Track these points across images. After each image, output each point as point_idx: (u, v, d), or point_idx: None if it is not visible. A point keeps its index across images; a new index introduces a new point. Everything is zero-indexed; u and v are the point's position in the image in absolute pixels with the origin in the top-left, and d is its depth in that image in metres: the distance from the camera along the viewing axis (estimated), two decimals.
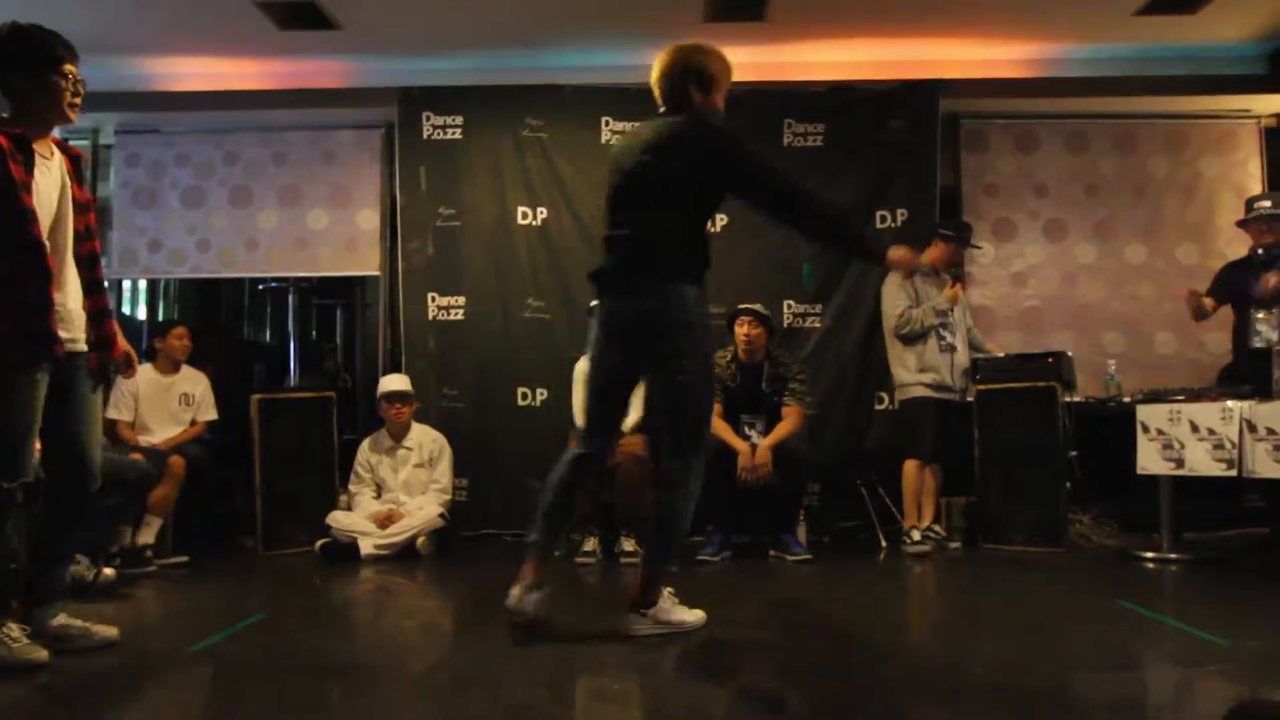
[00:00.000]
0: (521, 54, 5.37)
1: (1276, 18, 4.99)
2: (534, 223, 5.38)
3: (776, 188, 2.93)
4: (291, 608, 3.64)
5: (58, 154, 2.73)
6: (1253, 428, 3.80)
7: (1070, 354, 4.84)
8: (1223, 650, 2.73)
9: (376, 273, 5.70)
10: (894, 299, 4.87)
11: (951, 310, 4.84)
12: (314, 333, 6.71)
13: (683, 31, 5.13)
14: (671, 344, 2.85)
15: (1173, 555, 4.22)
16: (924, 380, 4.79)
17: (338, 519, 4.69)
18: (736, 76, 5.36)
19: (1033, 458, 4.62)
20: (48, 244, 2.59)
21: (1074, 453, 4.68)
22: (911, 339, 4.81)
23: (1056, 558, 4.40)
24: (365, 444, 4.94)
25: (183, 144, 5.70)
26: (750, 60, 5.40)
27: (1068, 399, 4.68)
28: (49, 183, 2.65)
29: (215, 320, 6.97)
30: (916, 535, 4.68)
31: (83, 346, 2.74)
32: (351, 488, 4.85)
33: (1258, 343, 4.44)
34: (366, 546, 4.52)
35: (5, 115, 2.63)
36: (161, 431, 4.73)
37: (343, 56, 5.41)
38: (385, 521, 4.60)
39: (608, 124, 5.39)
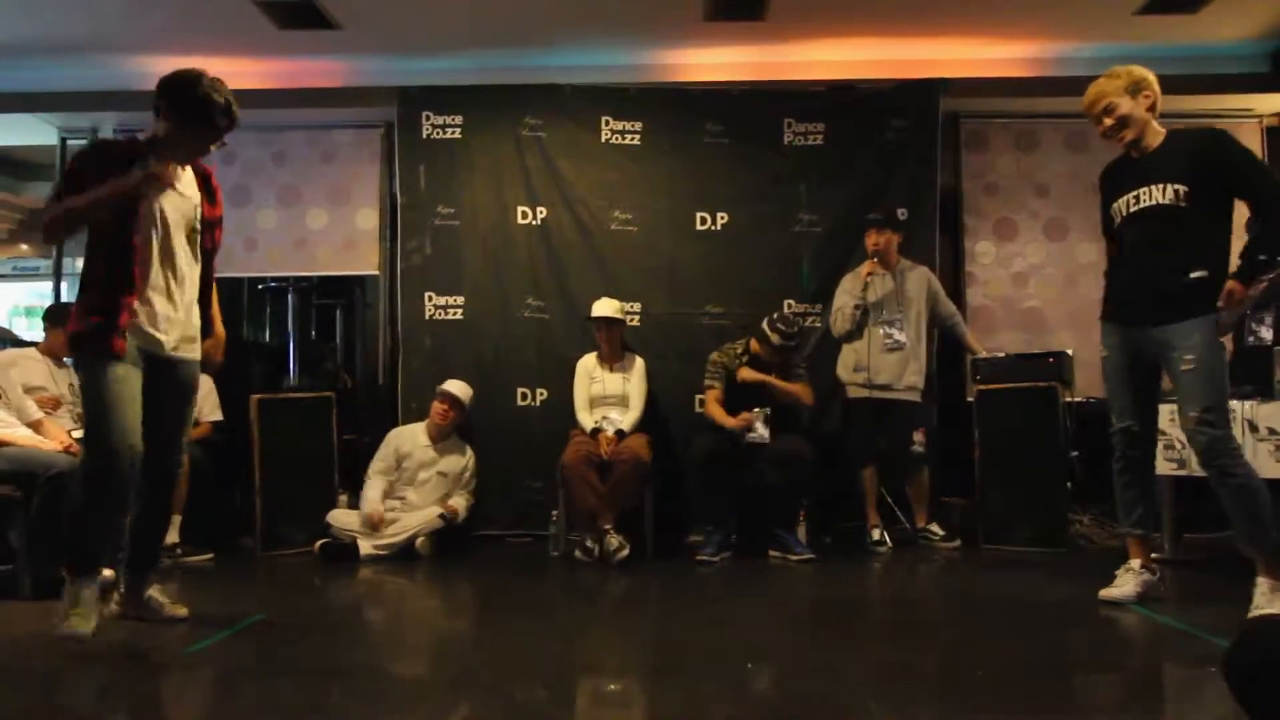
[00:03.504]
0: (521, 54, 5.36)
1: (1278, 16, 4.98)
2: (533, 222, 5.37)
3: None
4: (291, 608, 3.63)
5: (189, 172, 3.06)
6: (1254, 428, 3.79)
7: (1070, 354, 4.83)
8: (1223, 650, 2.72)
9: (376, 272, 5.70)
10: (835, 300, 4.90)
11: (867, 290, 4.74)
12: (313, 332, 6.68)
13: (683, 31, 5.17)
14: None
15: (1173, 556, 4.21)
16: (857, 380, 4.78)
17: (337, 519, 4.68)
18: (736, 76, 5.48)
19: (1033, 458, 4.61)
20: (152, 250, 2.92)
21: (1075, 453, 4.68)
22: (848, 338, 4.80)
23: (1057, 558, 4.39)
24: (401, 429, 4.94)
25: None
26: (750, 60, 5.42)
27: (1068, 399, 4.68)
28: (170, 197, 2.96)
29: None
30: (876, 535, 4.72)
31: (187, 353, 3.08)
32: (369, 471, 4.80)
33: (1250, 341, 4.46)
34: (366, 547, 4.51)
35: (145, 134, 2.97)
36: None
37: (342, 56, 5.40)
38: (379, 521, 4.57)
39: (607, 124, 5.38)
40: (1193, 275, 3.10)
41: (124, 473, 2.83)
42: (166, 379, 3.00)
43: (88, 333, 2.85)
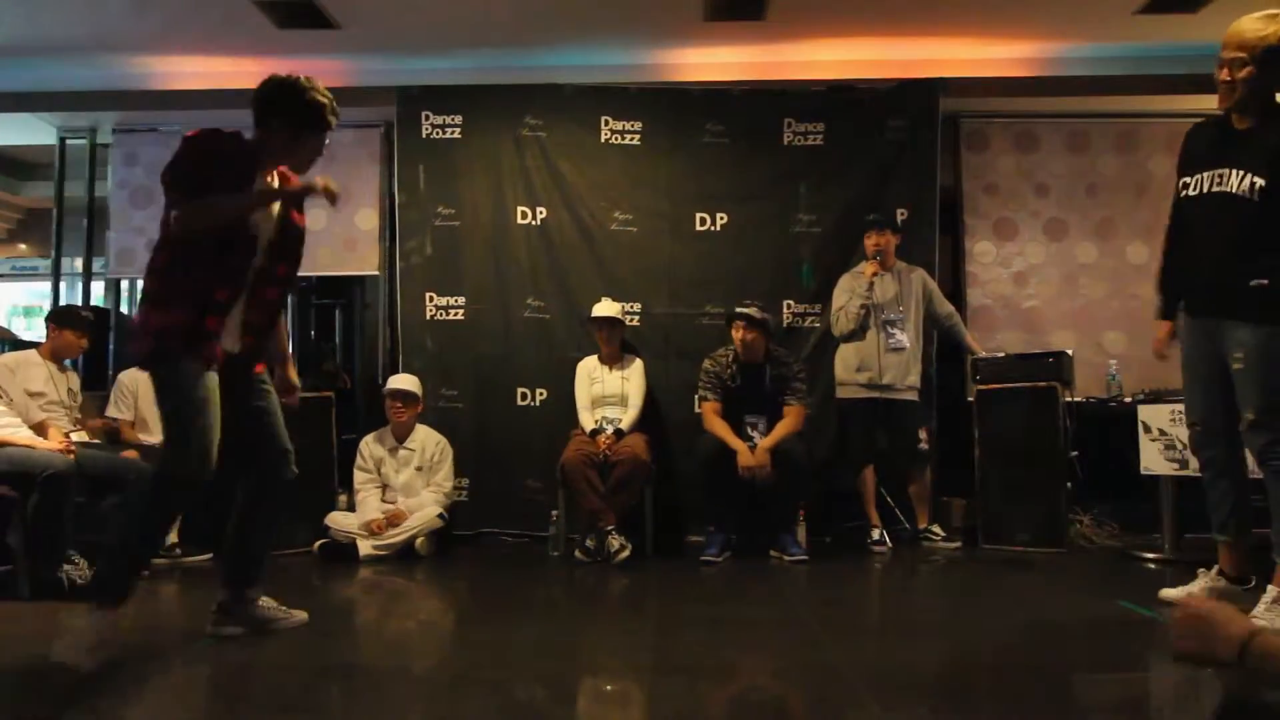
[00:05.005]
0: (521, 53, 5.36)
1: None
2: (533, 222, 5.37)
3: None
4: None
5: (277, 180, 2.88)
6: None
7: (1071, 353, 4.83)
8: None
9: (375, 272, 5.70)
10: (835, 300, 4.88)
11: (873, 290, 4.74)
12: (313, 333, 6.69)
13: (683, 31, 5.17)
14: None
15: (1174, 556, 4.22)
16: (859, 380, 4.78)
17: (336, 519, 4.67)
18: (736, 76, 5.47)
19: (1033, 458, 4.61)
20: (248, 276, 2.80)
21: (1075, 453, 4.68)
22: (849, 337, 4.79)
23: (1057, 558, 4.40)
24: (369, 438, 4.90)
25: None
26: (750, 60, 5.42)
27: (1068, 399, 4.68)
28: (266, 216, 2.80)
29: None
30: (876, 535, 4.74)
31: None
32: (357, 484, 4.80)
33: None
34: (365, 547, 4.51)
35: (248, 137, 2.80)
36: (161, 431, 4.70)
37: (342, 55, 5.40)
38: (379, 530, 4.56)
39: (607, 123, 5.38)
40: (1252, 282, 2.84)
41: (205, 480, 2.77)
42: (235, 377, 2.92)
43: (175, 335, 2.71)
